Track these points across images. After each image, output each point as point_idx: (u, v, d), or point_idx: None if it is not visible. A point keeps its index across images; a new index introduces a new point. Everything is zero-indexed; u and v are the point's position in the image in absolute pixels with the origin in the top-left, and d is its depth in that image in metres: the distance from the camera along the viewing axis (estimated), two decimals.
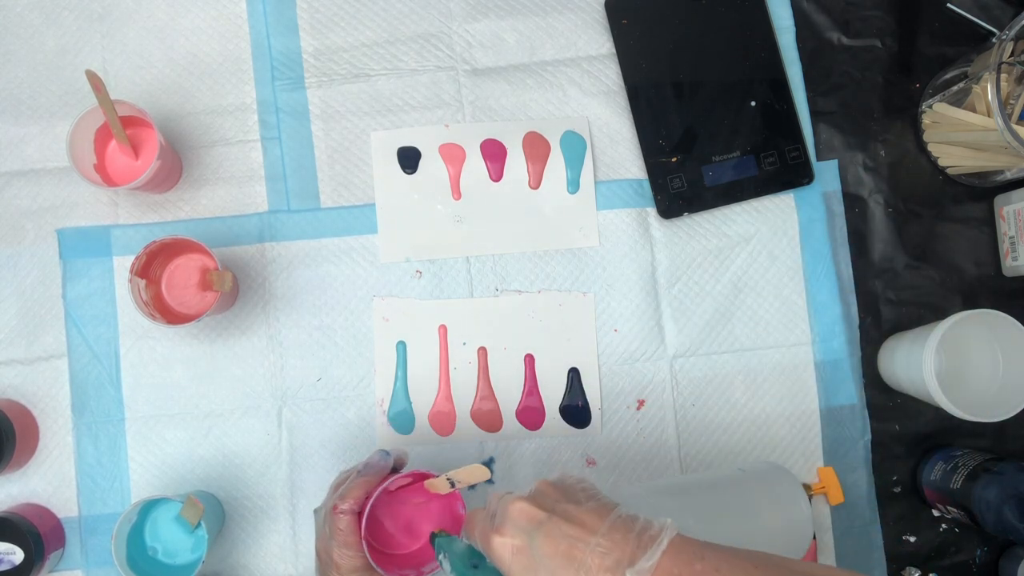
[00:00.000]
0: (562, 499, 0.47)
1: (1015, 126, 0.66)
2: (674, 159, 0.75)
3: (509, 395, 0.74)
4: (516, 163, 0.75)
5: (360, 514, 0.57)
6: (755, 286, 0.75)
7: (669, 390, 0.74)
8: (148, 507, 0.67)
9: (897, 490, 0.74)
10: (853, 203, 0.76)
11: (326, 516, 0.58)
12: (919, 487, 0.74)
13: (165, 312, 0.70)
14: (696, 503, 0.62)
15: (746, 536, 0.60)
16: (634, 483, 0.73)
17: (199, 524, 0.64)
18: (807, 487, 0.72)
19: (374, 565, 0.56)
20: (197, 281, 0.71)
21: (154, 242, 0.67)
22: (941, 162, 0.76)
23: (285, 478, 0.73)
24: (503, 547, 0.46)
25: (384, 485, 0.59)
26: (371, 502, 0.57)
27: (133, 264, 0.66)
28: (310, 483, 0.73)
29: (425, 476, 0.60)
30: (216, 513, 0.70)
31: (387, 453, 0.61)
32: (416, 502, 0.62)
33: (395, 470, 0.61)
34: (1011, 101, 0.70)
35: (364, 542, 0.56)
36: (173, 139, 0.75)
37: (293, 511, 0.72)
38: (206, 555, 0.64)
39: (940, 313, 0.75)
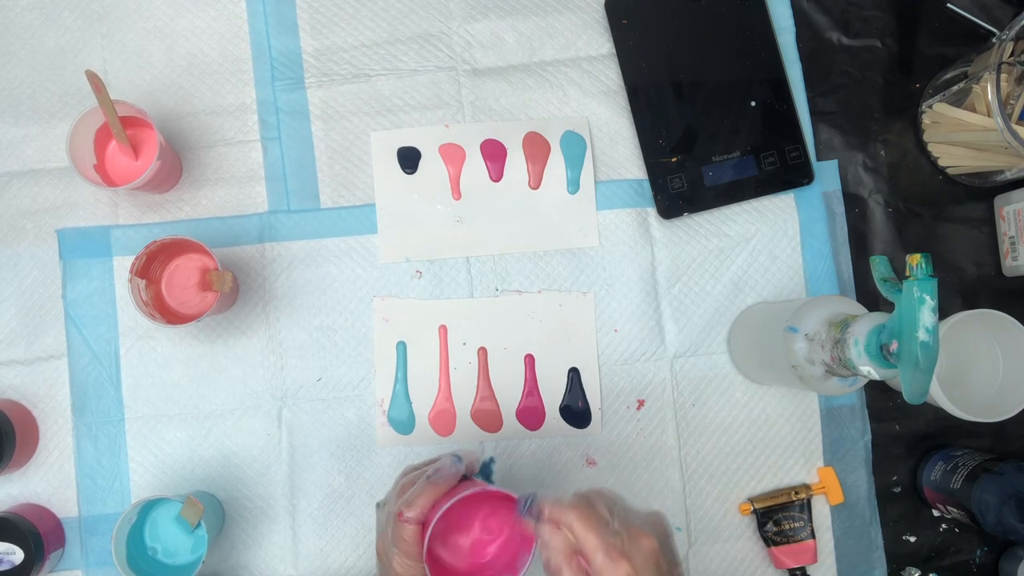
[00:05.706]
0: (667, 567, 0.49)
1: (1015, 126, 0.66)
2: (674, 159, 0.75)
3: (509, 395, 0.74)
4: (516, 163, 0.75)
5: (425, 524, 0.53)
6: (755, 286, 0.75)
7: (669, 390, 0.74)
8: (148, 507, 0.67)
9: (897, 490, 0.74)
10: (853, 203, 0.76)
11: (389, 519, 0.54)
12: (919, 487, 0.74)
13: (165, 312, 0.70)
14: None
15: None
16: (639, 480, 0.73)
17: (199, 524, 0.64)
18: (807, 487, 0.72)
19: None
20: (197, 281, 0.71)
21: (154, 242, 0.67)
22: (941, 162, 0.76)
23: (285, 478, 0.73)
24: None
25: (454, 499, 0.53)
26: (438, 515, 0.52)
27: (133, 264, 0.66)
28: (310, 483, 0.73)
29: (492, 493, 0.55)
30: (216, 513, 0.70)
31: (459, 459, 0.56)
32: (481, 515, 0.58)
33: (465, 476, 0.57)
34: (1011, 101, 0.70)
35: (426, 554, 0.52)
36: (173, 139, 0.75)
37: (293, 511, 0.72)
38: (206, 555, 0.64)
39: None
